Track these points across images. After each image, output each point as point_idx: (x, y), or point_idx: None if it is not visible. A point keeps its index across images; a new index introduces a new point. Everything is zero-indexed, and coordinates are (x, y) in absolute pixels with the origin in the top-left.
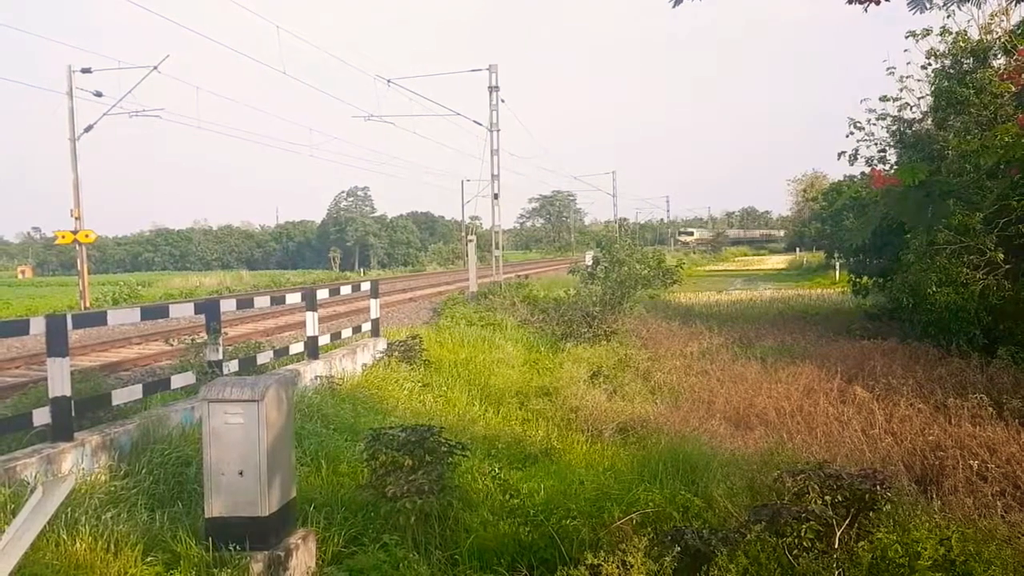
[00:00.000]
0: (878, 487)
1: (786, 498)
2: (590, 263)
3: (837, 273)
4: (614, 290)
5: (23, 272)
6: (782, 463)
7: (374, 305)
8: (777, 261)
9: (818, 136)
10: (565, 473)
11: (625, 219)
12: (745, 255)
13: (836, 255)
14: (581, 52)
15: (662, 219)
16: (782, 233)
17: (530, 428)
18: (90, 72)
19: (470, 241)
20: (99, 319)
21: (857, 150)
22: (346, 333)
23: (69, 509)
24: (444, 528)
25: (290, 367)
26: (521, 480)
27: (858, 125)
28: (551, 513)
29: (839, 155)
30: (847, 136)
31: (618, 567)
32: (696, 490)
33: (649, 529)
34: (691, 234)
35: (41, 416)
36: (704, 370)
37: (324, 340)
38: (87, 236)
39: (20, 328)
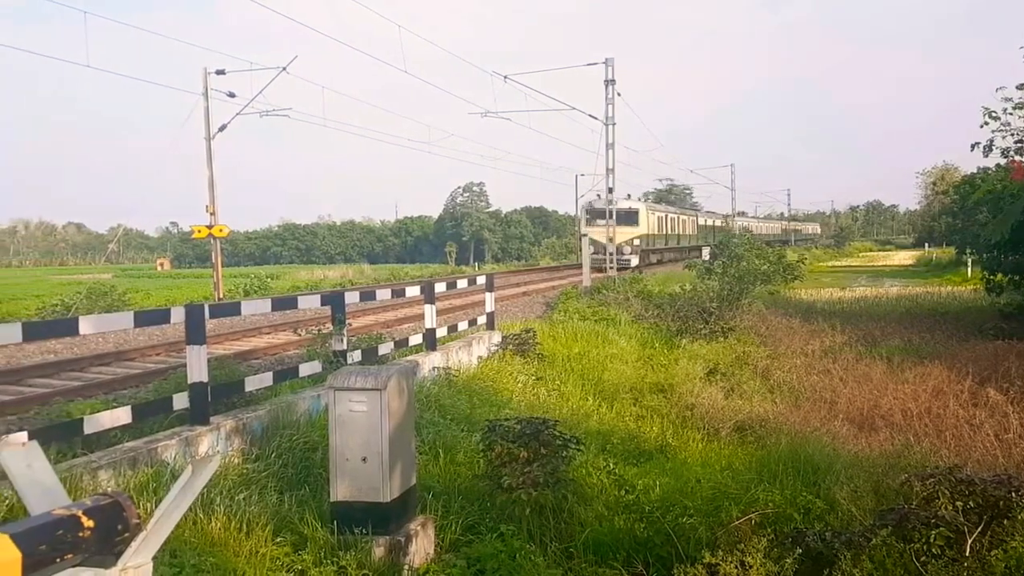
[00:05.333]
0: (1013, 494)
1: (914, 502)
2: (707, 258)
3: (969, 270)
4: (732, 286)
5: (162, 264)
6: (909, 466)
7: (489, 299)
8: (904, 257)
9: (948, 127)
10: (681, 471)
11: (744, 213)
12: (870, 251)
13: (968, 251)
14: (699, 43)
15: (782, 213)
16: (815, 229)
17: (644, 425)
18: (224, 74)
19: (584, 236)
20: (234, 309)
21: (992, 141)
22: (462, 326)
23: (205, 489)
24: (559, 521)
25: (409, 358)
26: (636, 476)
27: (993, 115)
28: (667, 510)
29: (972, 146)
30: (981, 127)
31: (736, 567)
32: (818, 492)
33: (768, 530)
34: (632, 218)
35: (180, 401)
36: (826, 369)
37: (441, 332)
38: (221, 231)
39: (162, 317)
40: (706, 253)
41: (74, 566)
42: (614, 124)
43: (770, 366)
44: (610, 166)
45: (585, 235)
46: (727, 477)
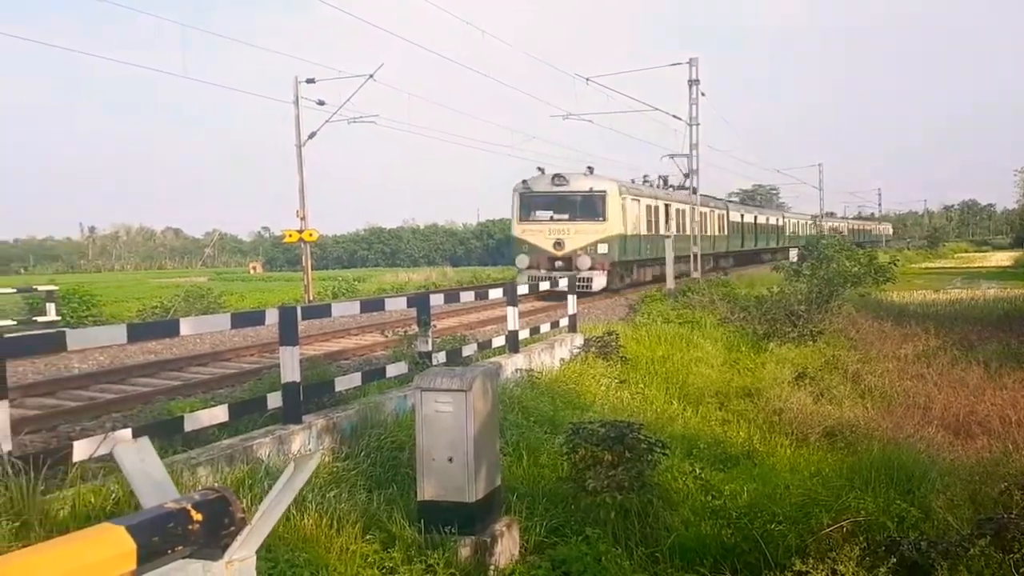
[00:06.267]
0: None
1: (1014, 512)
2: (795, 259)
3: None
4: (821, 288)
5: (254, 268)
6: (1009, 475)
7: (571, 301)
8: (1001, 258)
9: None
10: (769, 476)
11: (832, 213)
12: (965, 251)
13: None
14: (784, 37)
15: (872, 213)
16: (887, 230)
17: (731, 429)
18: (314, 82)
19: (667, 237)
20: (324, 311)
21: None
22: (544, 328)
23: None
24: (644, 525)
25: (492, 359)
26: (723, 482)
27: None
28: (755, 516)
29: None
30: None
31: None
32: (912, 500)
33: (861, 538)
34: (595, 208)
35: (274, 400)
36: (919, 374)
37: (524, 334)
38: (311, 235)
39: (257, 319)
40: (794, 255)
41: (184, 558)
42: (698, 124)
43: (861, 370)
44: (694, 167)
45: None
46: (817, 483)
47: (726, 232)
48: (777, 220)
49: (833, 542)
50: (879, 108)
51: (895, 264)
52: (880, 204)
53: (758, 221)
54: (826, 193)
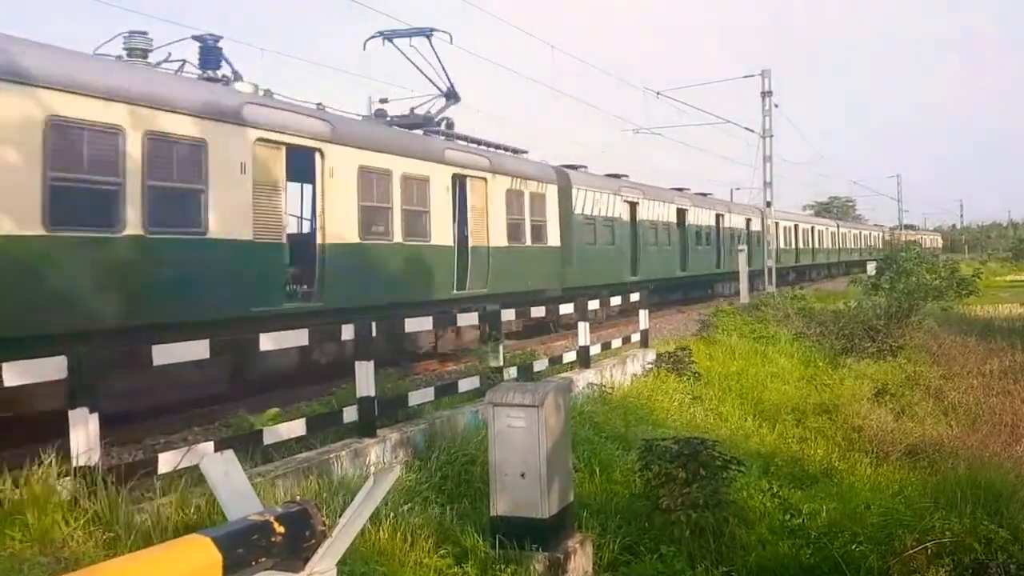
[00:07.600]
0: None
1: None
2: (873, 273)
3: None
4: (900, 302)
5: None
6: None
7: (643, 315)
8: None
9: None
10: (848, 495)
11: (912, 226)
12: None
13: None
14: (861, 50)
15: (954, 225)
16: (936, 242)
17: (808, 447)
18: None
19: (740, 251)
20: (398, 326)
21: None
22: (615, 343)
23: None
24: (720, 544)
25: (563, 375)
26: (801, 500)
27: None
28: (835, 536)
29: None
30: None
31: None
32: (1000, 521)
33: (946, 560)
34: None
35: (350, 414)
36: (1006, 390)
37: (595, 350)
38: None
39: (332, 333)
40: (871, 268)
41: (266, 570)
42: (771, 136)
43: (944, 387)
44: (767, 179)
45: None
46: (899, 503)
47: (612, 237)
48: (757, 222)
49: (917, 564)
50: (962, 115)
51: (978, 277)
52: (962, 216)
53: (701, 221)
54: (906, 205)
